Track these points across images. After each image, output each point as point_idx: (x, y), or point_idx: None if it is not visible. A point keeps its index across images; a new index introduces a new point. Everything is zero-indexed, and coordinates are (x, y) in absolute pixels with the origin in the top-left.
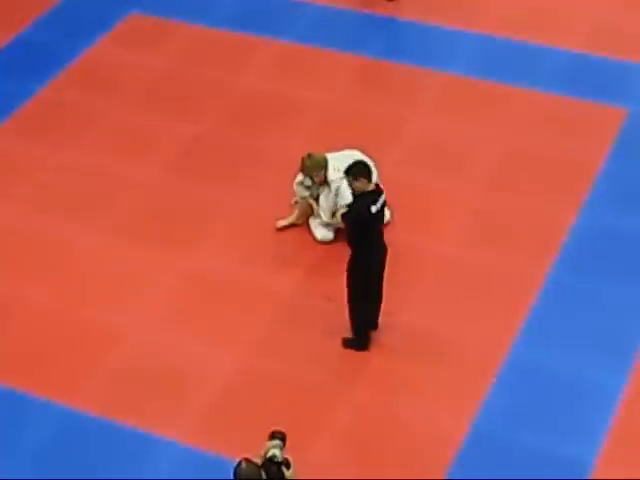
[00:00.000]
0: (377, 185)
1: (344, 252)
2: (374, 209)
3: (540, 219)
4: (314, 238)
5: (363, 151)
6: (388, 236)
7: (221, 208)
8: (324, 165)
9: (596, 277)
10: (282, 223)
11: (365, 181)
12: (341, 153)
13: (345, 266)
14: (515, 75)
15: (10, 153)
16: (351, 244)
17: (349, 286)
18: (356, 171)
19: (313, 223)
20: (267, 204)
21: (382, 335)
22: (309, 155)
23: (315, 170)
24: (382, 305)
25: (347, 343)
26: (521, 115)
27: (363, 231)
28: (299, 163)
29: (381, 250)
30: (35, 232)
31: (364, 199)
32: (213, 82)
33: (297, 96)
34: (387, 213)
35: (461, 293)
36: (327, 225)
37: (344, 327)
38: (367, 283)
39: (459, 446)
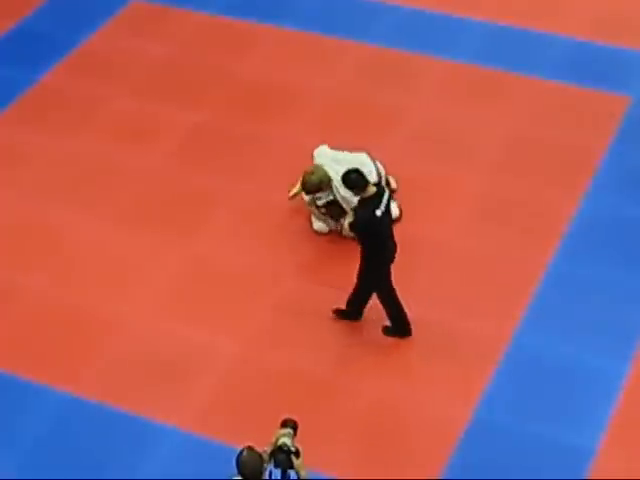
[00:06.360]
0: (378, 185)
1: (345, 242)
2: (379, 212)
3: (543, 207)
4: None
5: (365, 138)
6: None
7: (223, 196)
8: (325, 184)
9: (598, 264)
10: (293, 191)
11: (359, 190)
12: (344, 156)
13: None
14: (518, 63)
15: (11, 141)
16: (360, 243)
17: (359, 279)
18: (349, 185)
19: (314, 214)
20: (269, 192)
21: (384, 324)
22: (307, 174)
23: (315, 190)
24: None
25: (388, 331)
26: (524, 103)
27: (372, 233)
28: (301, 151)
29: (390, 248)
30: (36, 219)
31: (367, 205)
32: (215, 70)
33: (299, 84)
34: (395, 210)
35: (462, 281)
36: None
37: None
38: (378, 279)
39: (461, 435)
